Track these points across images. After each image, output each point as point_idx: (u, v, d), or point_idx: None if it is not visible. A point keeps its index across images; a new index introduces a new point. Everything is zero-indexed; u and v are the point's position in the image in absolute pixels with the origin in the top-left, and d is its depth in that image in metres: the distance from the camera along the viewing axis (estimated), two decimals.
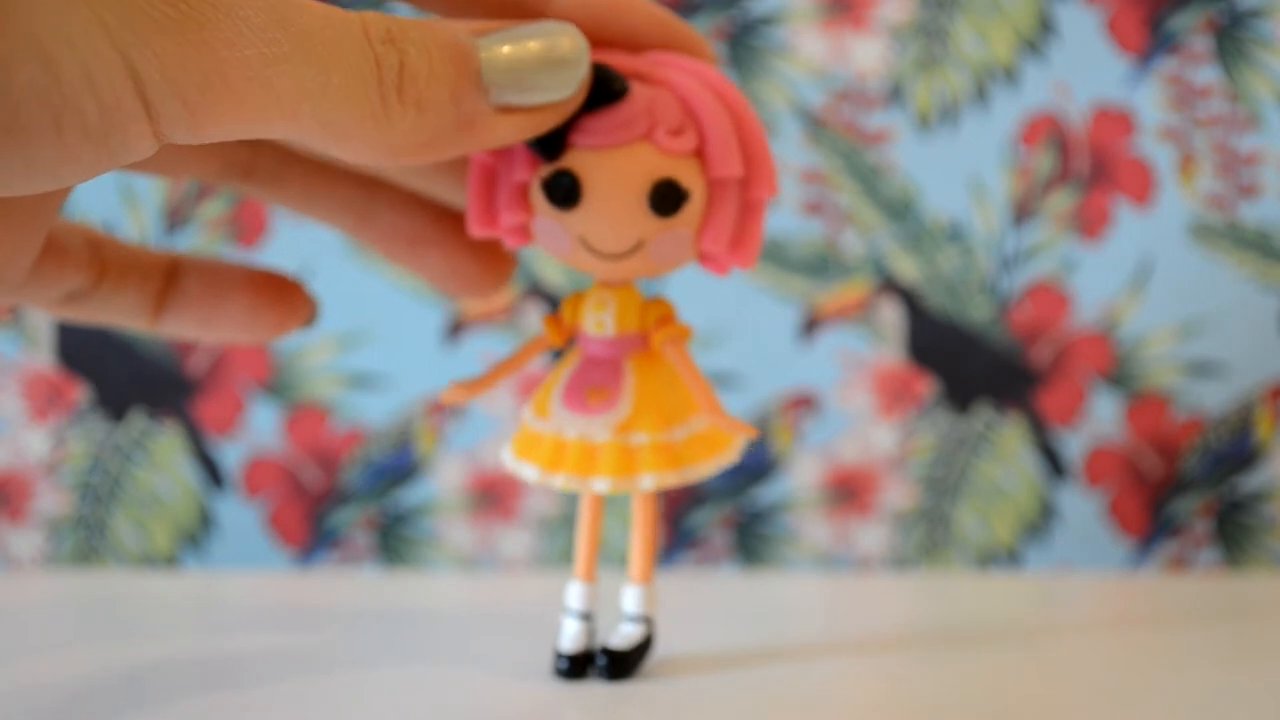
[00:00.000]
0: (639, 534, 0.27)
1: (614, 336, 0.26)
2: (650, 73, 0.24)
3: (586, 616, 0.26)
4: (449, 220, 0.28)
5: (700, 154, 0.24)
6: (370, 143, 0.20)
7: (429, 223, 0.28)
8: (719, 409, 0.25)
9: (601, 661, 0.26)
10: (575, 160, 0.24)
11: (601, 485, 0.25)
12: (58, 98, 0.16)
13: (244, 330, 0.28)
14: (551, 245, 0.25)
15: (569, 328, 0.26)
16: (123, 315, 0.27)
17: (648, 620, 0.27)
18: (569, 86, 0.22)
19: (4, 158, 0.16)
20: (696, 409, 0.26)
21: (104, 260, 0.26)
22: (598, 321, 0.26)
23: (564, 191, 0.24)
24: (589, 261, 0.25)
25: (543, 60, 0.22)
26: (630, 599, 0.27)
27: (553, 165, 0.24)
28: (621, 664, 0.26)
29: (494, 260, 0.28)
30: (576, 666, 0.26)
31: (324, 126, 0.19)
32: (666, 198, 0.24)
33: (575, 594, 0.26)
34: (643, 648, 0.27)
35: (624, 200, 0.24)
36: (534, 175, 0.24)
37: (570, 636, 0.26)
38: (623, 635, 0.27)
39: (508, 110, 0.22)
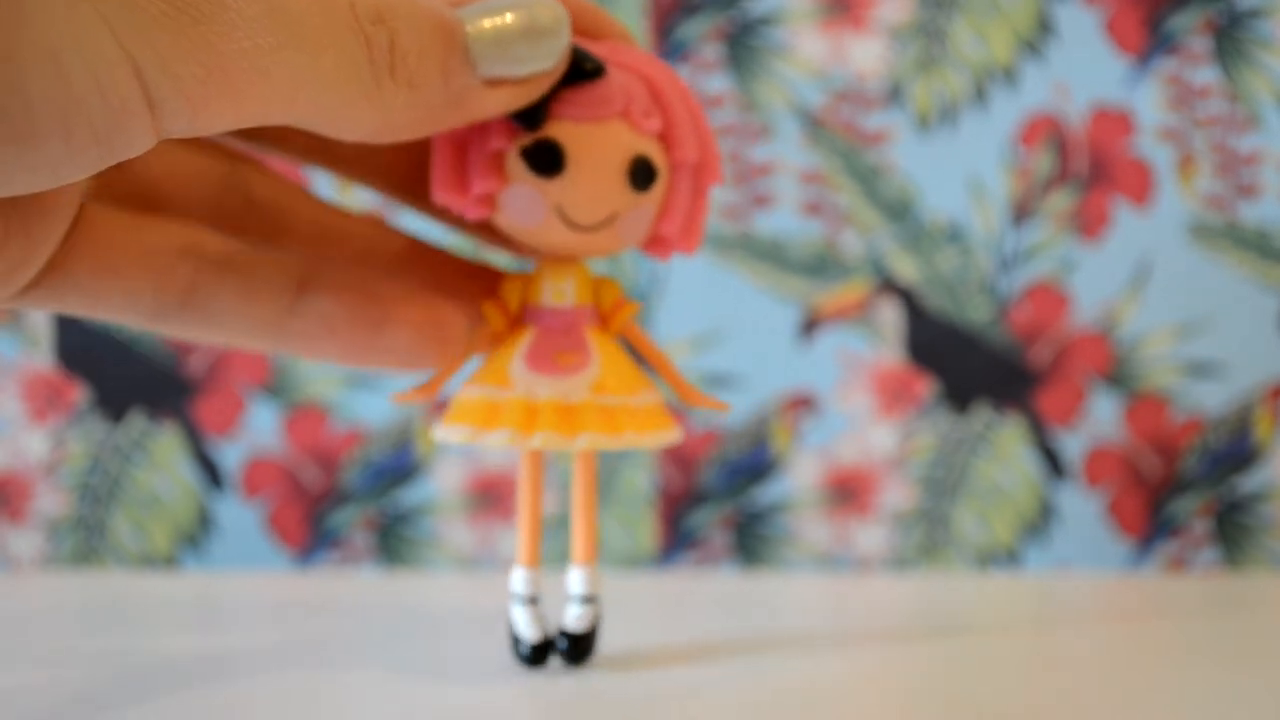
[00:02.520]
0: (582, 515, 0.27)
1: (574, 306, 0.26)
2: (613, 58, 0.25)
3: (535, 601, 0.27)
4: (411, 297, 0.27)
5: (664, 137, 0.25)
6: (364, 123, 0.21)
7: (391, 303, 0.26)
8: (688, 385, 0.27)
9: (562, 645, 0.27)
10: (558, 130, 0.24)
11: (584, 441, 0.25)
12: (67, 100, 0.16)
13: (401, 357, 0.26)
14: (521, 215, 0.25)
15: (513, 309, 0.26)
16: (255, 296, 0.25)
17: (595, 601, 0.27)
18: (552, 57, 0.23)
19: (16, 160, 0.16)
20: (644, 385, 0.26)
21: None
22: (558, 291, 0.26)
23: (549, 159, 0.24)
24: (558, 233, 0.25)
25: (525, 31, 0.22)
26: (578, 580, 0.27)
27: (535, 134, 0.24)
28: (583, 647, 0.27)
29: (450, 330, 0.27)
30: (539, 653, 0.27)
31: (319, 110, 0.20)
32: (644, 172, 0.25)
33: (522, 579, 0.27)
34: (595, 629, 0.27)
35: (605, 172, 0.24)
36: (511, 144, 0.24)
37: (528, 623, 0.26)
38: (578, 618, 0.27)
39: (494, 83, 0.22)
